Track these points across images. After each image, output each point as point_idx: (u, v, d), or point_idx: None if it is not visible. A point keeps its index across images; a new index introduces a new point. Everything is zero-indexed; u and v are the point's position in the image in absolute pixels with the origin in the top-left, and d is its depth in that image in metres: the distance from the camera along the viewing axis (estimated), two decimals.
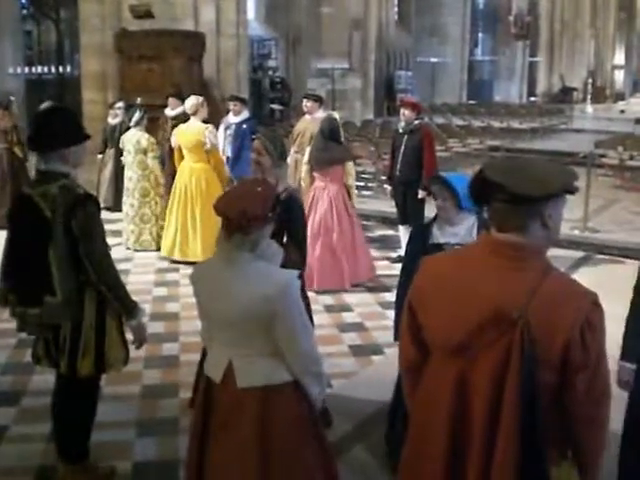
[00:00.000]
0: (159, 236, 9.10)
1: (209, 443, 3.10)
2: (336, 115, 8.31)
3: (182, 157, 8.68)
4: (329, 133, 7.53)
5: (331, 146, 7.54)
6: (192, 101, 8.58)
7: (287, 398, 3.04)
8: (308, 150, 8.08)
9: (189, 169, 8.54)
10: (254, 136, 5.25)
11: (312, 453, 3.14)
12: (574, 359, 2.16)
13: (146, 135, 9.14)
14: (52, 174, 3.70)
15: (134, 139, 9.09)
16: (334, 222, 7.61)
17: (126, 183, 9.25)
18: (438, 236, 3.99)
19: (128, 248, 9.20)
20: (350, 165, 7.83)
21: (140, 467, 4.33)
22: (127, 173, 9.24)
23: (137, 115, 9.13)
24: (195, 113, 8.52)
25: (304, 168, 8.19)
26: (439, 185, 3.93)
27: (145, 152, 9.03)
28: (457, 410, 2.31)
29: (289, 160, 9.69)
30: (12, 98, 11.47)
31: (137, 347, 4.00)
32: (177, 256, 8.54)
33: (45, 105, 9.25)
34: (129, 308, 3.85)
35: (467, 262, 2.36)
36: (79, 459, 4.09)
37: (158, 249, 9.01)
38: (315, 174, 7.75)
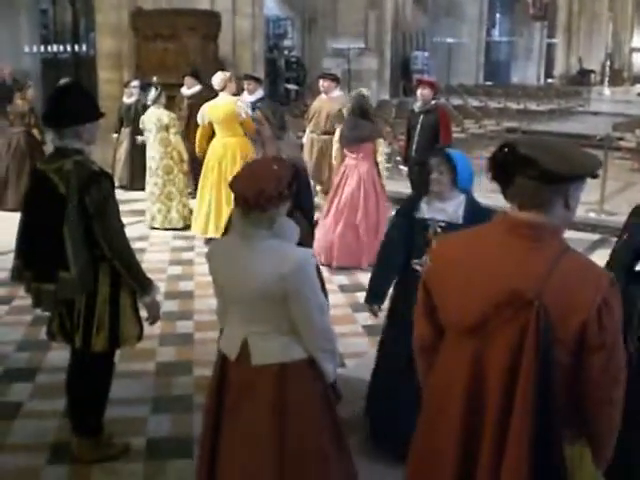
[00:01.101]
0: (185, 214, 9.07)
1: (224, 420, 3.12)
2: (365, 92, 8.23)
3: (208, 134, 8.53)
4: (359, 111, 7.50)
5: (361, 124, 7.50)
6: (220, 76, 8.49)
7: (302, 376, 3.05)
8: (339, 129, 8.05)
9: (222, 144, 8.34)
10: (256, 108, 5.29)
11: (326, 430, 3.15)
12: (590, 340, 2.15)
13: (166, 112, 9.05)
14: (66, 150, 3.73)
15: (154, 117, 8.99)
16: (360, 201, 7.58)
17: (149, 162, 9.14)
18: (425, 210, 4.04)
19: (154, 227, 9.12)
20: (380, 142, 7.77)
21: (154, 443, 4.36)
22: (149, 152, 9.13)
23: (153, 93, 9.06)
24: (224, 88, 8.43)
25: (335, 147, 8.19)
26: (440, 158, 3.96)
27: (167, 129, 8.92)
28: (472, 389, 2.31)
29: (304, 139, 9.68)
30: (30, 82, 11.51)
31: (150, 324, 4.02)
32: (212, 233, 8.17)
33: (61, 82, 9.32)
34: (143, 285, 3.87)
35: (482, 241, 2.35)
36: (93, 434, 4.13)
37: (185, 227, 8.99)
38: (346, 152, 7.73)
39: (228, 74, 8.62)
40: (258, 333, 3.01)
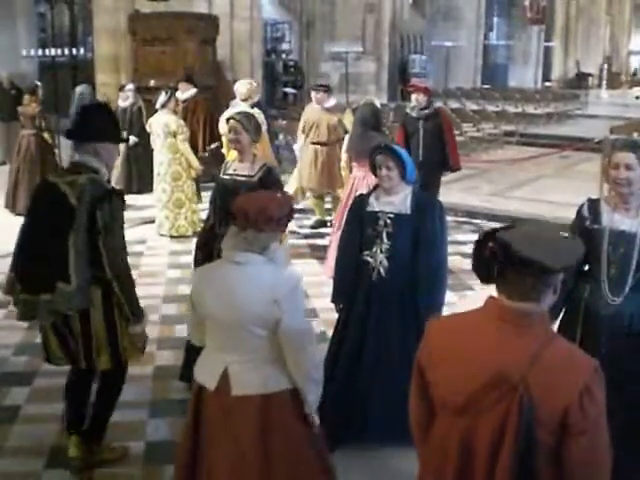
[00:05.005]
0: (193, 221, 8.94)
1: (204, 450, 3.09)
2: (376, 101, 8.14)
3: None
4: (372, 121, 7.37)
5: (371, 135, 7.30)
6: (246, 85, 8.30)
7: (284, 406, 3.04)
8: (347, 139, 8.00)
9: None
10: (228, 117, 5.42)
11: (310, 459, 3.16)
12: (572, 424, 2.20)
13: (174, 117, 8.82)
14: (82, 166, 3.76)
15: (162, 122, 8.75)
16: None
17: (157, 168, 8.94)
18: (374, 205, 4.31)
19: (162, 235, 8.98)
20: None
21: (152, 447, 4.37)
22: (157, 158, 8.92)
23: (163, 97, 8.78)
24: (247, 98, 8.25)
25: (343, 157, 8.15)
26: (386, 155, 4.23)
27: (175, 135, 8.68)
28: (462, 469, 2.35)
29: (297, 149, 9.63)
30: (38, 83, 11.42)
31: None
32: None
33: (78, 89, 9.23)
34: (136, 312, 3.84)
35: (473, 325, 2.41)
36: (93, 440, 4.12)
37: (194, 234, 8.88)
38: (354, 163, 7.58)
39: (255, 84, 8.39)
40: (239, 362, 2.99)
